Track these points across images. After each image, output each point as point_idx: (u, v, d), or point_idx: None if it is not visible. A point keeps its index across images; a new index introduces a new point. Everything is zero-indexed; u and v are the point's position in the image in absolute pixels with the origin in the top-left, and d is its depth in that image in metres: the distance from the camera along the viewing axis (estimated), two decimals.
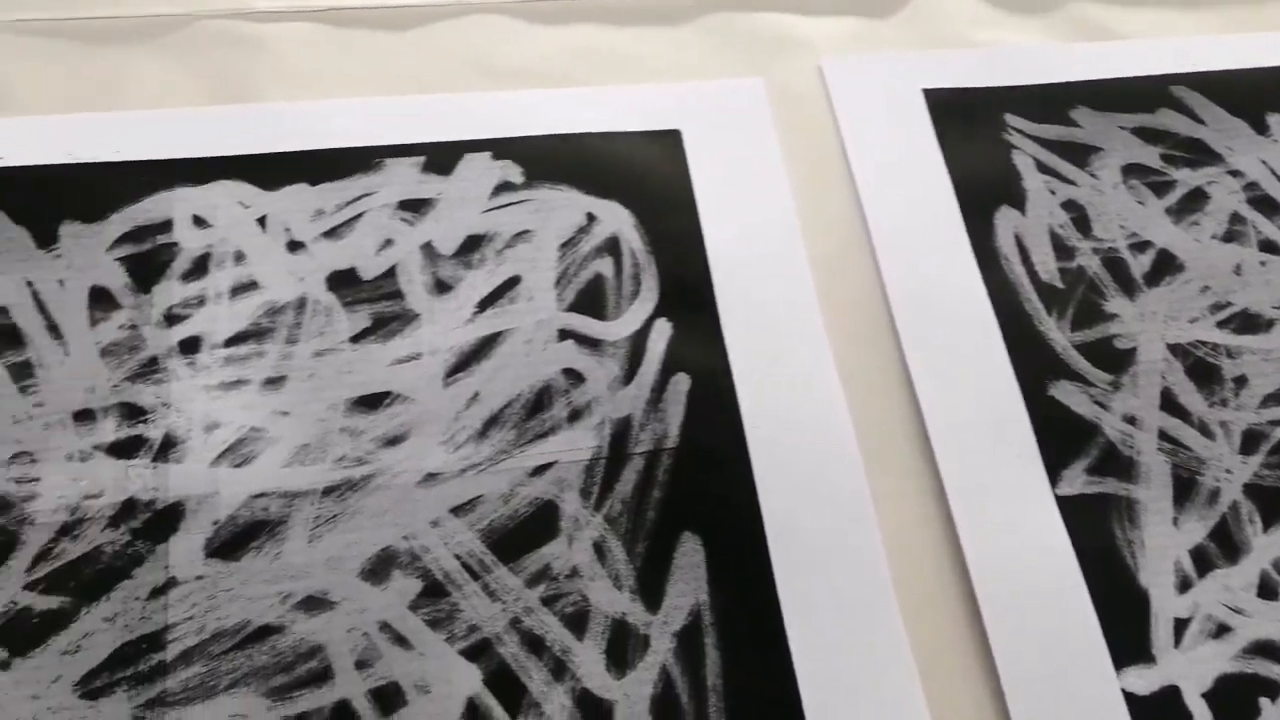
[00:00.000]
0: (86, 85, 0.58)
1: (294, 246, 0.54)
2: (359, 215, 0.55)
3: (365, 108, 0.59)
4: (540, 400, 0.52)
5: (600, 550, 0.49)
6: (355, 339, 0.52)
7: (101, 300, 0.52)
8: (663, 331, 0.54)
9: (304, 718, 0.44)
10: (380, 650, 0.46)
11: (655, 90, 0.62)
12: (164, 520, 0.48)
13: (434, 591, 0.47)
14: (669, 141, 0.60)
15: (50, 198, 0.54)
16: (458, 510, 0.49)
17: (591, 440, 0.51)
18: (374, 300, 0.53)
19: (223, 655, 0.45)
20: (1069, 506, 0.52)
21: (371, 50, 0.62)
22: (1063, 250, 0.59)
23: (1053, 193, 0.60)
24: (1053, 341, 0.56)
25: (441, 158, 0.57)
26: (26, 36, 0.59)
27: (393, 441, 0.50)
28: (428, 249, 0.55)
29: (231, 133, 0.57)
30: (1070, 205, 0.60)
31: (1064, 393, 0.55)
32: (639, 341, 0.54)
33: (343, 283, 0.54)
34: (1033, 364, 0.55)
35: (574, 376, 0.52)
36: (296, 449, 0.50)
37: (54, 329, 0.51)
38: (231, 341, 0.52)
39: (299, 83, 0.60)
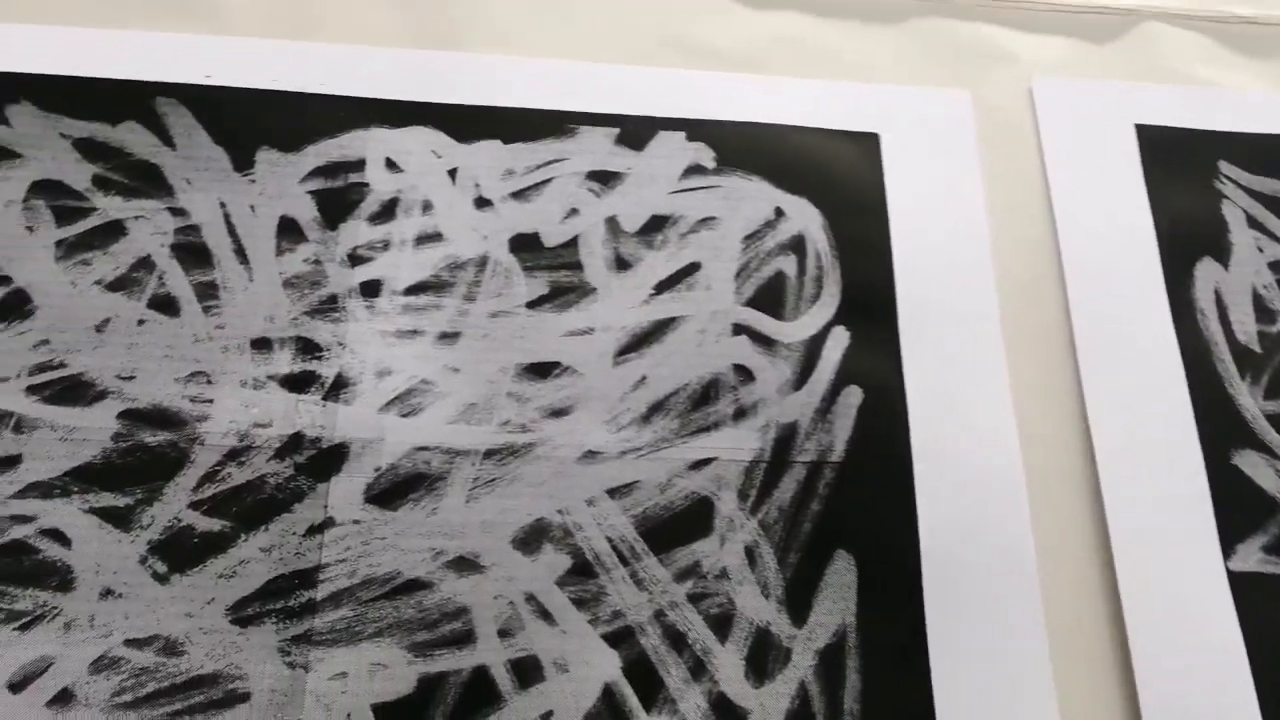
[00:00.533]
0: (293, 12, 0.58)
1: (481, 203, 0.54)
2: (548, 180, 0.55)
3: (564, 71, 0.58)
4: (707, 393, 0.51)
5: (752, 555, 0.48)
6: (531, 305, 0.52)
7: (289, 231, 0.52)
8: (840, 340, 0.52)
9: (442, 677, 0.44)
10: (524, 621, 0.45)
11: (856, 89, 0.60)
12: (328, 459, 0.48)
13: (582, 570, 0.47)
14: (866, 144, 0.58)
15: (251, 122, 0.54)
16: (614, 492, 0.48)
17: (754, 441, 0.50)
18: (554, 268, 0.53)
19: (370, 602, 0.45)
20: (1240, 583, 0.49)
21: (575, 10, 0.61)
22: (1264, 313, 0.56)
23: (1260, 250, 0.57)
24: (1243, 408, 0.53)
25: (635, 131, 0.56)
26: None
27: (557, 413, 0.50)
28: (612, 223, 0.54)
29: (432, 79, 0.57)
30: (1278, 266, 0.57)
31: (1249, 463, 0.52)
32: (814, 347, 0.52)
33: (525, 246, 0.53)
34: (1219, 428, 0.52)
35: (744, 373, 0.51)
36: (464, 407, 0.49)
37: (241, 253, 0.51)
38: (411, 290, 0.52)
39: (498, 35, 0.59)
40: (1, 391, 0.47)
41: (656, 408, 0.50)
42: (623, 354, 0.51)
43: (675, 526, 0.48)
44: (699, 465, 0.49)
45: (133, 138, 0.53)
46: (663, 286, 0.53)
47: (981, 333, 0.54)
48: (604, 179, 0.55)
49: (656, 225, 0.54)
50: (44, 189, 0.51)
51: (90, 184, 0.52)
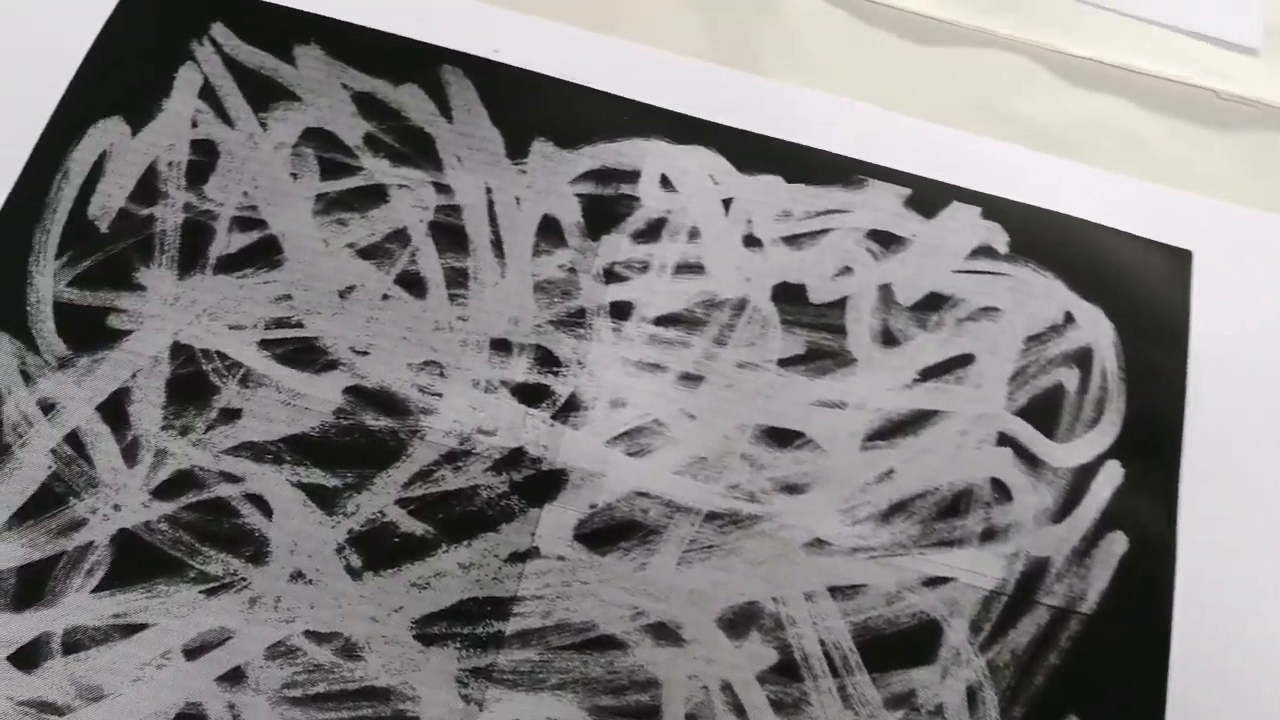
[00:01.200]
0: (592, 1, 0.55)
1: (750, 242, 0.49)
2: (826, 231, 0.50)
3: (864, 115, 0.53)
4: (957, 503, 0.46)
5: (973, 697, 0.42)
6: (784, 363, 0.47)
7: (550, 232, 0.49)
8: (1112, 476, 0.47)
9: None
10: (715, 712, 0.41)
11: (1173, 196, 0.54)
12: (544, 483, 0.44)
13: (788, 670, 0.42)
14: (1176, 260, 0.51)
15: (532, 108, 0.51)
16: (837, 591, 0.44)
17: (999, 570, 0.44)
18: (815, 328, 0.48)
19: (560, 650, 0.42)
20: None
21: (882, 52, 0.56)
22: None
23: None
24: None
25: (928, 196, 0.51)
26: None
27: (791, 489, 0.45)
28: (885, 292, 0.49)
29: (722, 98, 0.53)
30: None
31: None
32: (1083, 478, 0.46)
33: (788, 297, 0.49)
34: None
35: (1001, 491, 0.46)
36: (693, 459, 0.45)
37: (498, 245, 0.48)
38: (662, 320, 0.48)
39: (800, 64, 0.55)
40: (237, 340, 0.45)
41: (899, 507, 0.45)
42: (873, 439, 0.46)
43: (896, 645, 0.43)
44: (934, 583, 0.44)
45: (412, 102, 0.50)
46: (929, 373, 0.48)
47: (1277, 492, 0.47)
48: (886, 241, 0.50)
49: (933, 304, 0.49)
50: (315, 138, 0.49)
51: (361, 142, 0.49)
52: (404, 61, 0.51)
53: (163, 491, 0.43)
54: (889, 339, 0.49)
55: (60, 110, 0.48)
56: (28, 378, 0.44)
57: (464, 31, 0.52)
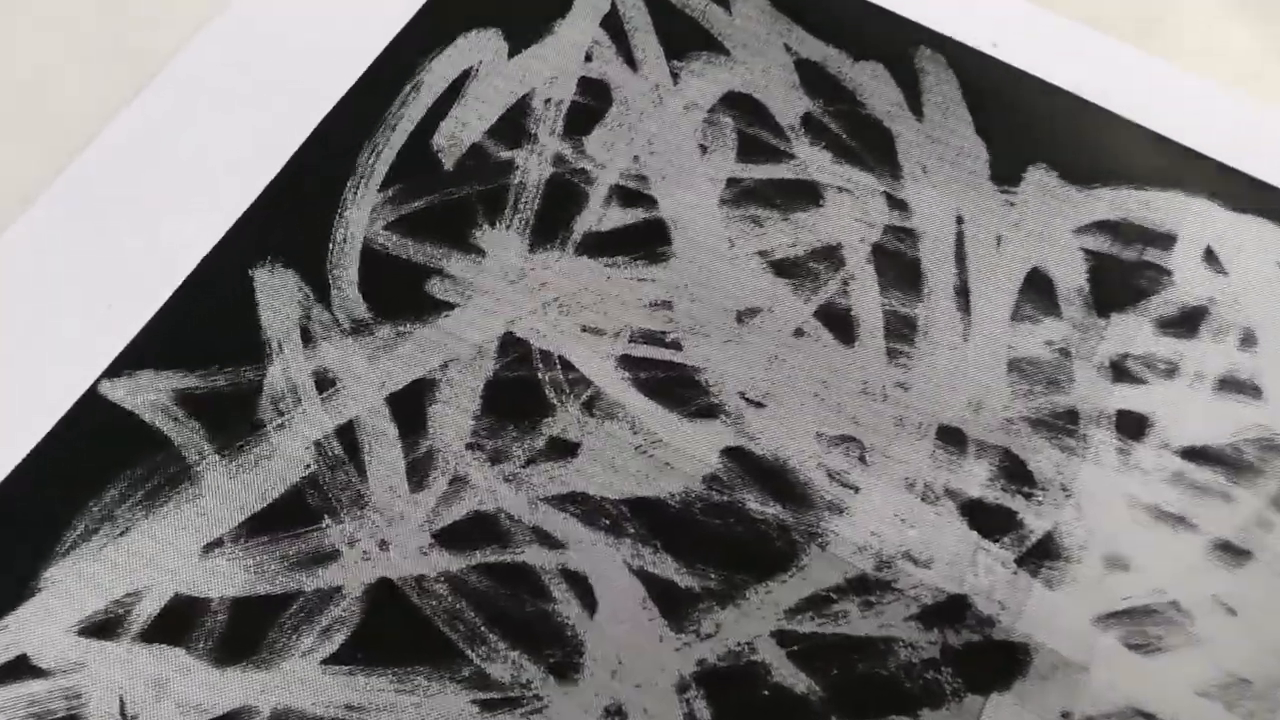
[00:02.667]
0: (1142, 7, 0.39)
1: None
2: None
3: None
4: None
5: None
6: None
7: (1039, 292, 0.33)
8: None
9: None
10: None
11: None
12: (996, 660, 0.28)
13: None
14: None
15: (1033, 123, 0.36)
16: None
17: None
18: None
19: None
20: None
21: None
22: None
23: None
24: None
25: None
26: None
27: None
28: None
29: None
30: None
31: None
32: None
33: None
34: None
35: None
36: (1228, 678, 0.28)
37: (963, 295, 0.33)
38: (1194, 455, 0.31)
39: None
40: (590, 348, 0.31)
41: None
42: None
43: None
44: None
45: (872, 84, 0.36)
46: None
47: None
48: None
49: None
50: (739, 105, 0.35)
51: (798, 123, 0.35)
52: (870, 31, 0.37)
53: (451, 537, 0.28)
54: None
55: (427, 8, 0.36)
56: (308, 337, 0.31)
57: (956, 10, 0.38)
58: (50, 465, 0.29)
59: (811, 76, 0.37)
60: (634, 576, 0.29)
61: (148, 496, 0.30)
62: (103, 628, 0.28)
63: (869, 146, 0.36)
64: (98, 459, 0.30)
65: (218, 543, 0.29)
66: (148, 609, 0.28)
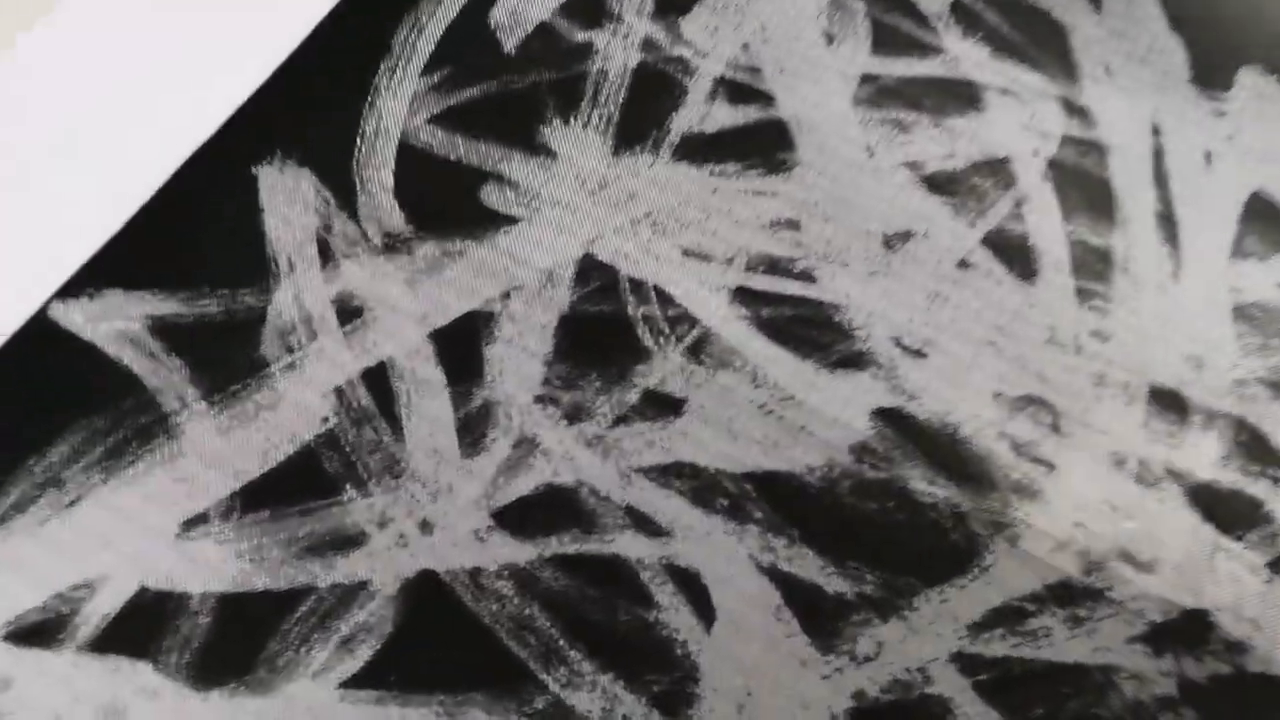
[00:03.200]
0: None
1: None
2: None
3: None
4: None
5: None
6: None
7: (1266, 222, 0.26)
8: None
9: None
10: None
11: None
12: (1253, 699, 0.20)
13: None
14: None
15: (1244, 16, 0.28)
16: None
17: None
18: None
19: None
20: None
21: None
22: None
23: None
24: None
25: None
26: None
27: None
28: None
29: None
30: None
31: None
32: None
33: None
34: None
35: None
36: None
37: (1168, 224, 0.28)
38: None
39: None
40: (696, 277, 0.24)
41: None
42: None
43: None
44: None
45: None
46: None
47: None
48: None
49: None
50: None
51: (946, 10, 0.27)
52: None
53: (517, 519, 0.20)
54: None
55: None
56: (327, 253, 0.23)
57: None
58: None
59: None
60: (763, 577, 0.21)
61: (108, 455, 0.22)
62: (38, 632, 0.20)
63: (1036, 41, 0.28)
64: (43, 402, 0.22)
65: (202, 518, 0.21)
66: (102, 607, 0.20)
